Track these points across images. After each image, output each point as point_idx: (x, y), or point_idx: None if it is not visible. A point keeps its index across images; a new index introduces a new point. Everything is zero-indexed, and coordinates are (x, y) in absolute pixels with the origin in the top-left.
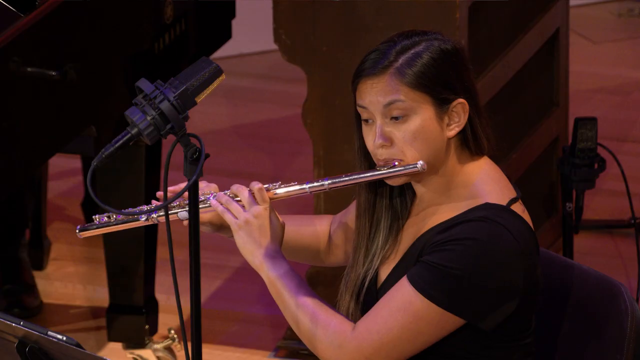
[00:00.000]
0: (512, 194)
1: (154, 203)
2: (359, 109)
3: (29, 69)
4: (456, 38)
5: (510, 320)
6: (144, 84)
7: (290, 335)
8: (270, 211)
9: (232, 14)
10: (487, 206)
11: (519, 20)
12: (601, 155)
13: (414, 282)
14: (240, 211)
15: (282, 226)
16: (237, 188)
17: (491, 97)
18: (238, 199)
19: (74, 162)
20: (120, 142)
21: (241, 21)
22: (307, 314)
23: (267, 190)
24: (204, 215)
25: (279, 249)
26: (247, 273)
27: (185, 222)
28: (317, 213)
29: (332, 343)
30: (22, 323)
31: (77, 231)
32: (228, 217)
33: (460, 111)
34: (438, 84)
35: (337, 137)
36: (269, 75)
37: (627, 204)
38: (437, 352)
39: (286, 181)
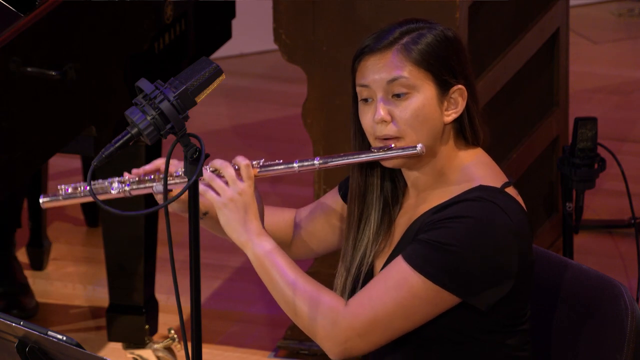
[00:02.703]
0: (505, 179)
1: (126, 175)
2: (358, 89)
3: (29, 69)
4: None
5: (506, 304)
6: (144, 84)
7: (290, 335)
8: (254, 188)
9: (232, 14)
10: (482, 188)
11: (519, 20)
12: (601, 155)
13: (409, 260)
14: (225, 188)
15: (262, 204)
16: (220, 163)
17: (491, 97)
18: (221, 175)
19: (74, 162)
20: (120, 142)
21: (241, 21)
22: (297, 291)
23: (253, 167)
24: (177, 190)
25: (262, 226)
26: (247, 273)
27: (159, 196)
28: None
29: (324, 319)
30: (22, 323)
31: (40, 199)
32: (211, 195)
33: (458, 97)
34: (441, 64)
35: (337, 137)
36: (269, 75)
37: (627, 204)
38: (433, 335)
39: (287, 182)
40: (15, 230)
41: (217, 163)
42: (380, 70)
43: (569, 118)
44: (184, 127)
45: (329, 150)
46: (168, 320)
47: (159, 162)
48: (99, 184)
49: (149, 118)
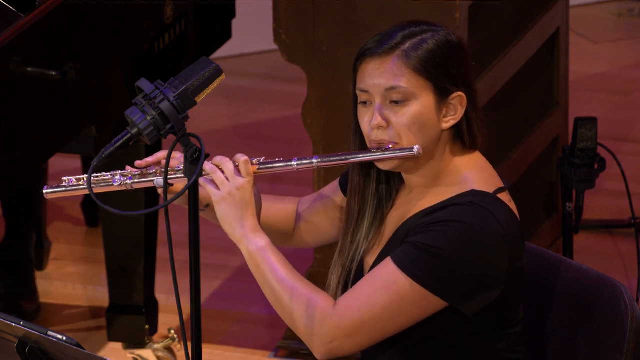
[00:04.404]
0: (499, 184)
1: (128, 169)
2: (358, 92)
3: (29, 69)
4: None
5: (494, 308)
6: (144, 84)
7: (290, 335)
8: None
9: (232, 14)
10: (474, 192)
11: (519, 20)
12: (601, 155)
13: (398, 262)
14: (224, 182)
15: (260, 201)
16: (220, 159)
17: (491, 97)
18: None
19: (74, 162)
20: (120, 142)
21: (241, 21)
22: (287, 289)
23: (252, 164)
24: (178, 185)
25: (258, 223)
26: (247, 273)
27: (160, 190)
28: None
29: (312, 318)
30: (22, 323)
31: (44, 191)
32: (210, 188)
33: (457, 104)
34: (441, 72)
35: (337, 137)
36: (269, 75)
37: (627, 204)
38: (421, 337)
39: (287, 182)
40: (30, 226)
41: (217, 159)
42: (379, 76)
43: (569, 118)
44: (184, 127)
45: (329, 150)
46: (168, 320)
47: (161, 155)
48: (102, 176)
49: (149, 118)
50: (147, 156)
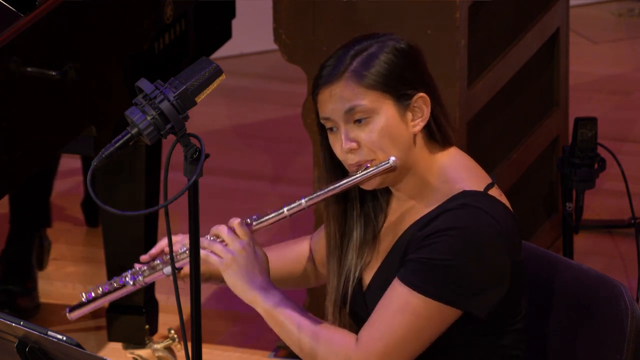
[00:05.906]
0: (487, 180)
1: (137, 266)
2: (322, 121)
3: (29, 69)
4: (456, 38)
5: (499, 305)
6: (144, 84)
7: None
8: (254, 243)
9: (232, 14)
10: (465, 194)
11: (519, 20)
12: (601, 155)
13: (406, 281)
14: (224, 250)
15: (266, 256)
16: (215, 228)
17: (491, 97)
18: (220, 239)
19: (74, 162)
20: (120, 142)
21: (241, 21)
22: (309, 335)
23: (246, 224)
24: (186, 269)
25: (268, 279)
26: None
27: (170, 278)
28: (319, 225)
29: (337, 357)
30: (22, 323)
31: (67, 312)
32: (213, 259)
33: (422, 105)
34: (396, 81)
35: None
36: (269, 75)
37: (627, 204)
38: (435, 343)
39: (287, 182)
40: (34, 227)
41: (213, 229)
42: (336, 102)
43: (569, 118)
44: (184, 127)
45: None
46: (168, 320)
47: (163, 243)
48: (115, 281)
49: (149, 118)
50: (146, 156)
